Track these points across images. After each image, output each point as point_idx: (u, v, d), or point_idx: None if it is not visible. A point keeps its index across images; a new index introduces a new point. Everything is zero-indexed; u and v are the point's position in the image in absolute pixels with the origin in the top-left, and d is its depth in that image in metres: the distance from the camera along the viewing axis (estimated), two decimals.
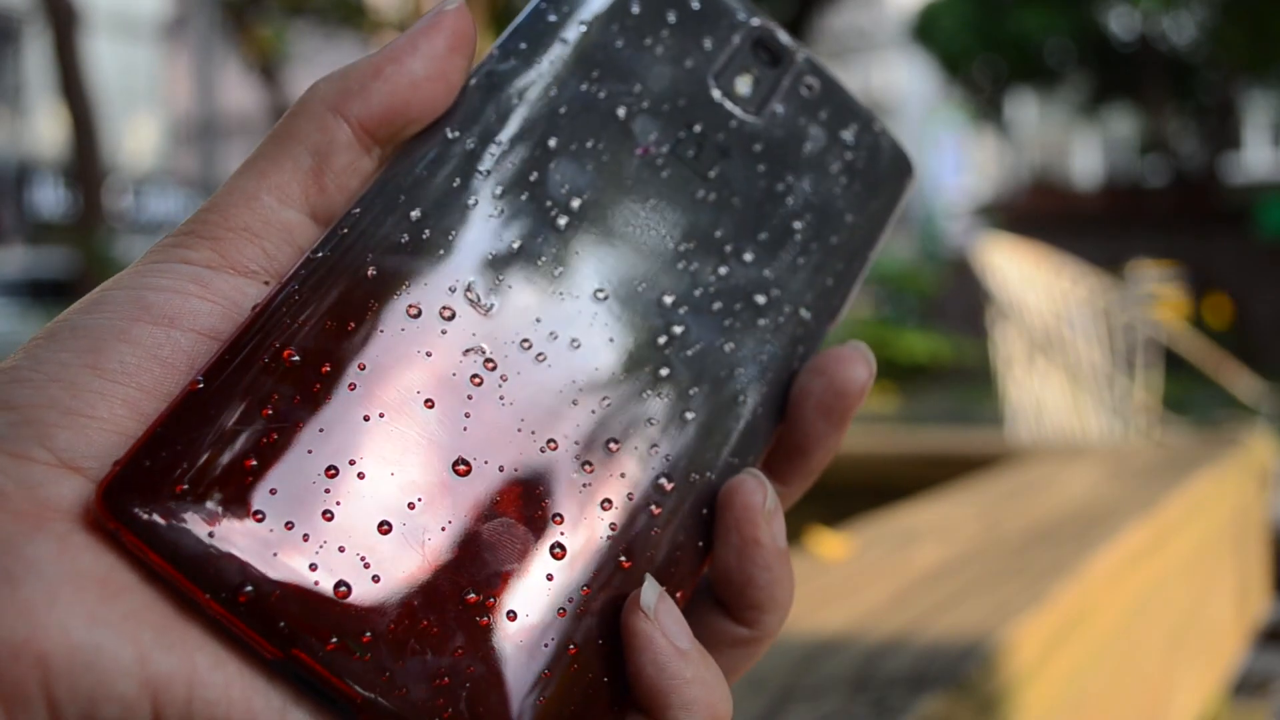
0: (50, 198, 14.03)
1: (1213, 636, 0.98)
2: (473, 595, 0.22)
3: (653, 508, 0.24)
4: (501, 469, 0.23)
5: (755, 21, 0.29)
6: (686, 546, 0.25)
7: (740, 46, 0.29)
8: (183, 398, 0.21)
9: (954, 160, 21.59)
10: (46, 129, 14.08)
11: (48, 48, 7.51)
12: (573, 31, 0.27)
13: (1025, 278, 2.98)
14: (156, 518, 0.20)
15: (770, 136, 0.28)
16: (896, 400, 7.23)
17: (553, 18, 0.27)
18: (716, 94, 0.28)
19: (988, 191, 16.35)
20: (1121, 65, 13.12)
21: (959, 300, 10.30)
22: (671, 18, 0.28)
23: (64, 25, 6.99)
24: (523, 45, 0.26)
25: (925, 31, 13.20)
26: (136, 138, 15.92)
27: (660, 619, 0.23)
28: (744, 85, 0.28)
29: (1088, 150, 17.29)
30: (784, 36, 0.29)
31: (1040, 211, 13.11)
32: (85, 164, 7.05)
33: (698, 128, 0.27)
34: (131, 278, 0.23)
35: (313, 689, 0.20)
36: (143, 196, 15.04)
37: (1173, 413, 3.22)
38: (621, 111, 0.27)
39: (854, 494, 1.13)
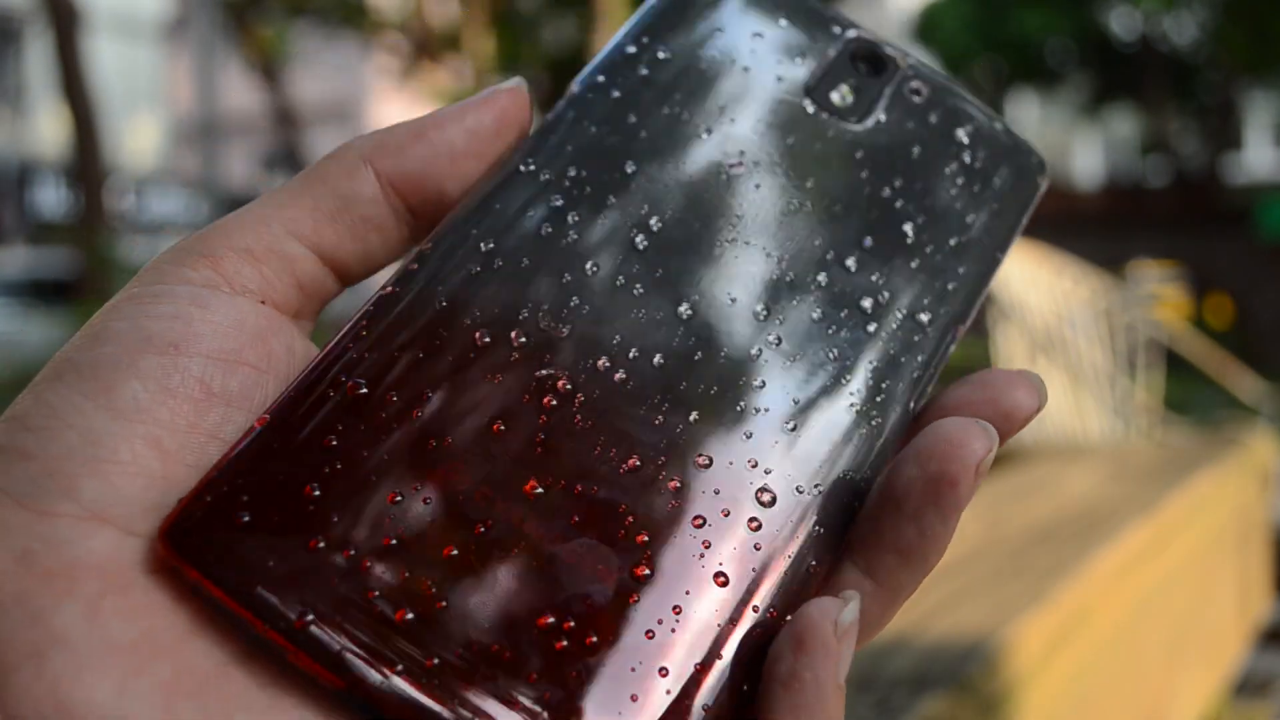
0: (51, 198, 14.03)
1: (1214, 637, 0.98)
2: (548, 619, 0.20)
3: (750, 524, 0.22)
4: (579, 491, 0.21)
5: (852, 33, 0.28)
6: (794, 564, 0.23)
7: (837, 60, 0.28)
8: (247, 435, 0.21)
9: None
10: (48, 129, 14.08)
11: (49, 48, 7.52)
12: (652, 61, 0.27)
13: (1027, 278, 2.98)
14: (215, 551, 0.20)
15: (873, 143, 0.27)
16: None
17: (631, 49, 0.27)
18: (811, 107, 0.27)
19: None
20: (1123, 66, 13.11)
21: None
22: (756, 38, 0.28)
23: (65, 25, 6.99)
24: (600, 79, 0.26)
25: (926, 32, 13.20)
26: (138, 138, 15.92)
27: (842, 643, 0.21)
28: (842, 96, 0.27)
29: (1089, 150, 17.28)
30: (886, 47, 0.28)
31: (1041, 212, 13.07)
32: (86, 164, 7.05)
33: (790, 140, 0.27)
34: (130, 306, 0.23)
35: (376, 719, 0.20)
36: (144, 196, 15.03)
37: (1174, 413, 3.21)
38: (705, 132, 0.26)
39: None
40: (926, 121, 0.28)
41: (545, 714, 0.20)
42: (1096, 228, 12.45)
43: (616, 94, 0.26)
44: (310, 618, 0.19)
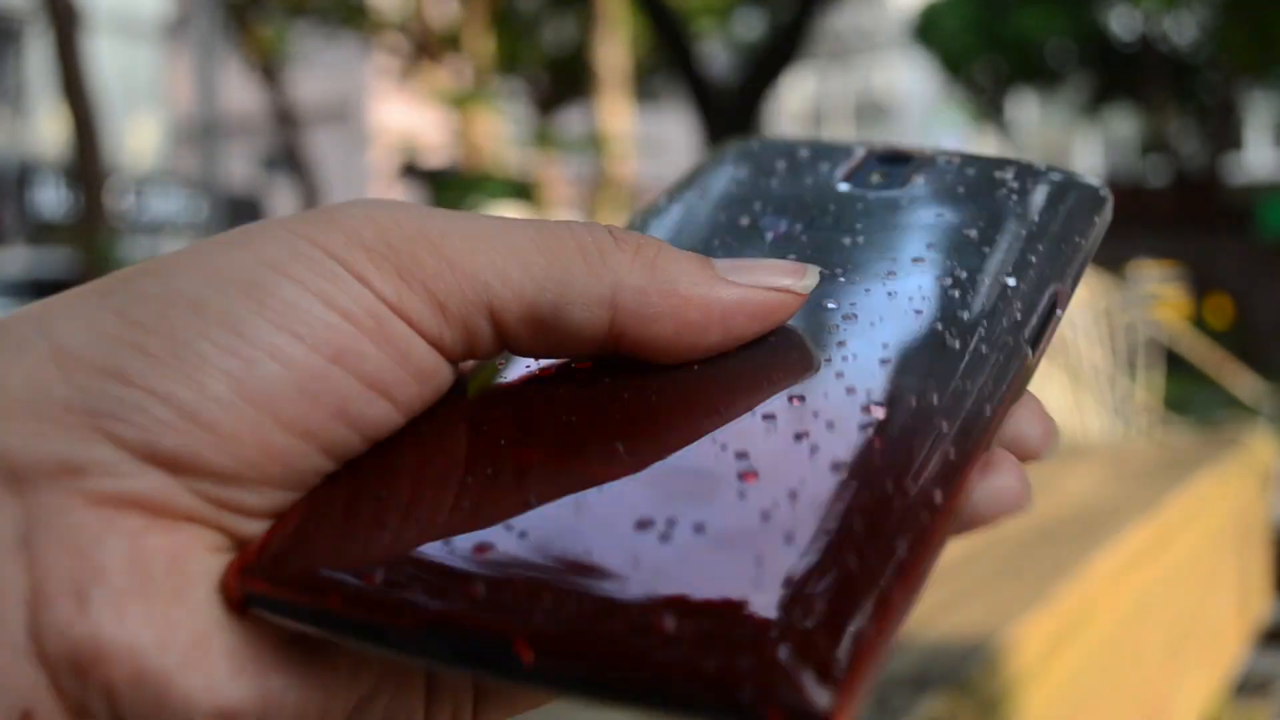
0: (52, 198, 14.03)
1: (1214, 636, 0.98)
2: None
3: (864, 426, 0.22)
4: (669, 439, 0.21)
5: (869, 145, 0.30)
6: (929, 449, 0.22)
7: (863, 159, 0.30)
8: (322, 483, 0.21)
9: None
10: (48, 129, 14.07)
11: (49, 48, 7.52)
12: (702, 194, 0.30)
13: None
14: (294, 571, 0.19)
15: (915, 198, 0.28)
16: None
17: (685, 192, 0.30)
18: (846, 188, 0.29)
19: None
20: (1123, 66, 13.11)
21: None
22: (784, 164, 0.30)
23: (65, 25, 6.99)
24: (664, 201, 0.29)
25: (926, 32, 13.19)
26: (138, 138, 15.91)
27: None
28: (875, 179, 0.29)
29: (1089, 150, 17.28)
30: (906, 146, 0.30)
31: None
32: (87, 164, 7.05)
33: (832, 207, 0.28)
34: (297, 267, 0.20)
35: (467, 655, 0.19)
36: (144, 196, 15.03)
37: (1174, 413, 3.22)
38: (745, 219, 0.28)
39: None
40: (964, 176, 0.29)
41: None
42: None
43: (678, 211, 0.29)
44: (413, 577, 0.19)
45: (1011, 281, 0.26)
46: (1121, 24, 13.08)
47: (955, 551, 0.76)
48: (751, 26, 12.21)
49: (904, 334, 0.24)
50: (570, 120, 12.79)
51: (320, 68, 15.40)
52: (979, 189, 0.28)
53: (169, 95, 16.63)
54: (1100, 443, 2.34)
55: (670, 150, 15.71)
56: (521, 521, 0.20)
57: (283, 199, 16.83)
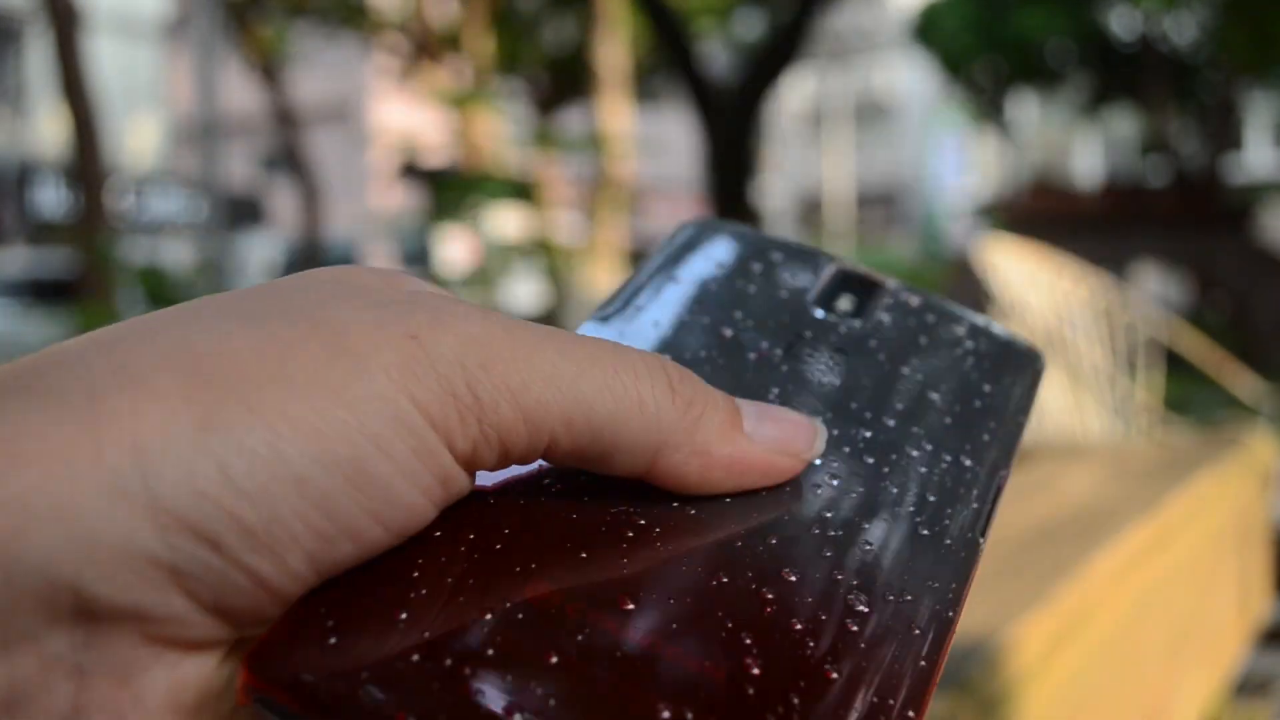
0: (52, 198, 14.03)
1: (1214, 636, 0.98)
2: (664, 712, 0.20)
3: (849, 624, 0.22)
4: (672, 602, 0.21)
5: (839, 261, 0.31)
6: (899, 658, 0.22)
7: (831, 280, 0.31)
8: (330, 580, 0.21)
9: (955, 160, 21.58)
10: (48, 129, 14.08)
11: (49, 48, 7.52)
12: (664, 284, 0.30)
13: (1027, 278, 2.98)
14: (305, 671, 0.19)
15: (882, 334, 0.29)
16: None
17: (642, 280, 0.30)
18: (819, 313, 0.30)
19: (989, 192, 16.35)
20: (1123, 66, 13.12)
21: (960, 300, 10.27)
22: (757, 266, 0.31)
23: (65, 25, 6.99)
24: (619, 300, 0.29)
25: (926, 31, 13.20)
26: (138, 138, 15.92)
27: None
28: (844, 304, 0.30)
29: (1089, 150, 17.28)
30: (870, 270, 0.31)
31: (1041, 212, 13.11)
32: (86, 164, 7.05)
33: (808, 334, 0.29)
34: (397, 445, 0.21)
35: None
36: (144, 196, 15.03)
37: (1174, 413, 3.22)
38: (729, 331, 0.29)
39: None
40: (924, 320, 0.30)
41: None
42: (1096, 228, 12.45)
43: (639, 306, 0.29)
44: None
45: (970, 464, 0.26)
46: (1121, 24, 13.08)
47: None
48: (751, 26, 12.21)
49: (883, 514, 0.25)
50: (570, 120, 12.79)
51: (320, 68, 15.40)
52: (939, 343, 0.30)
53: (169, 95, 16.63)
54: (1100, 443, 2.34)
55: (670, 150, 15.71)
56: (510, 649, 0.20)
57: (283, 199, 16.82)
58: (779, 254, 0.31)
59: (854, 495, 0.25)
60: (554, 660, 0.20)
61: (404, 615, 0.20)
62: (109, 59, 13.13)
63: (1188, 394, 4.00)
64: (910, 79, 21.41)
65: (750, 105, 7.76)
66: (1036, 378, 0.30)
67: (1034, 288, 2.97)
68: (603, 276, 8.66)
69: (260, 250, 15.36)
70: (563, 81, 12.92)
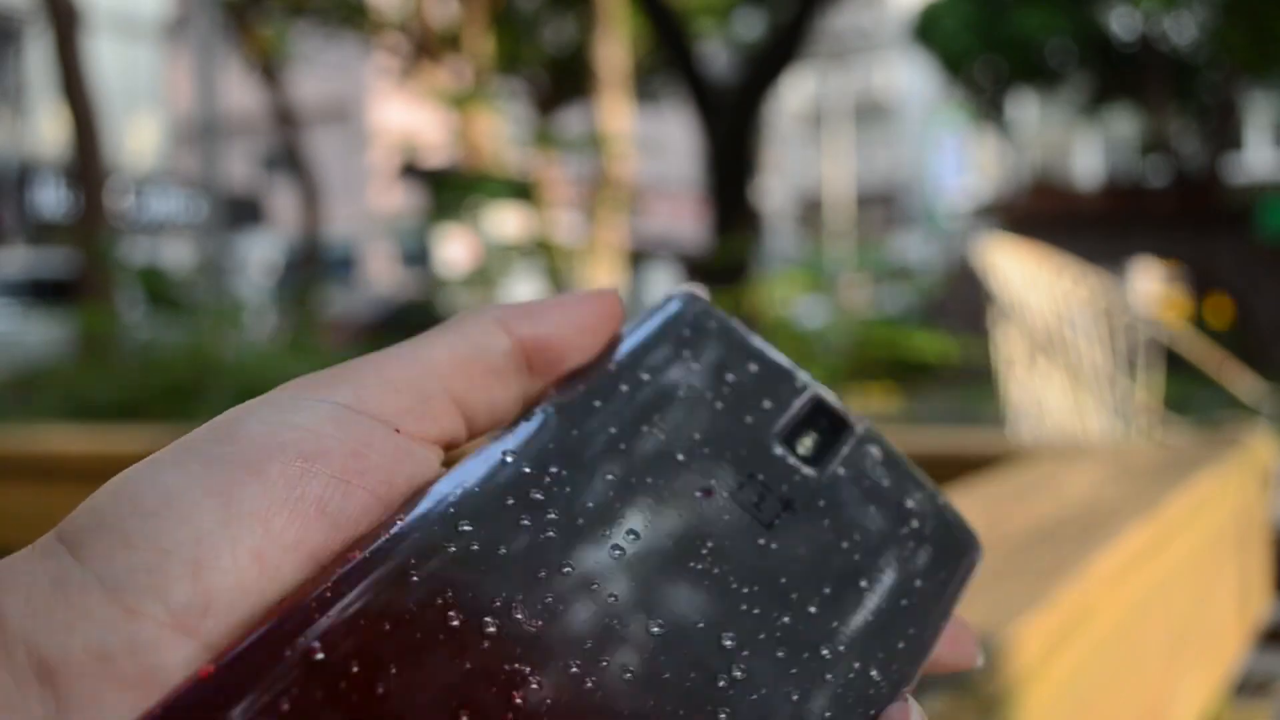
0: (51, 198, 14.03)
1: (1214, 637, 0.98)
2: None
3: None
4: None
5: (814, 389, 0.30)
6: None
7: (800, 410, 0.29)
8: (191, 682, 0.20)
9: (955, 160, 21.58)
10: (48, 129, 14.08)
11: (49, 48, 7.52)
12: (633, 380, 0.28)
13: (1027, 278, 2.98)
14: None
15: (833, 495, 0.28)
16: (898, 400, 7.23)
17: (612, 367, 0.28)
18: (779, 450, 0.28)
19: (989, 192, 16.35)
20: (1123, 65, 13.12)
21: (960, 300, 10.30)
22: (730, 377, 0.29)
23: (65, 25, 6.99)
24: (581, 387, 0.27)
25: (926, 32, 13.20)
26: (138, 138, 15.92)
27: None
28: (806, 445, 0.29)
29: (1089, 150, 17.28)
30: (842, 406, 0.30)
31: (1041, 212, 13.11)
32: (86, 164, 7.05)
33: (761, 477, 0.28)
34: (267, 410, 0.23)
35: None
36: (144, 196, 15.03)
37: (1174, 413, 3.22)
38: (683, 455, 0.27)
39: None
40: (879, 483, 0.29)
41: None
42: (1096, 228, 12.45)
43: (599, 404, 0.27)
44: None
45: (877, 677, 0.26)
46: (1121, 24, 13.08)
47: None
48: (751, 26, 12.22)
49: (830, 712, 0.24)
50: (570, 120, 12.79)
51: (320, 68, 15.40)
52: (886, 516, 0.29)
53: (169, 95, 16.63)
54: (1100, 443, 2.34)
55: (670, 150, 15.71)
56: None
57: (283, 199, 16.82)
58: (756, 367, 0.30)
59: (754, 697, 0.24)
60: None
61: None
62: (109, 59, 13.13)
63: (1188, 394, 4.01)
64: (910, 79, 21.40)
65: (750, 105, 7.76)
66: (969, 570, 0.29)
67: (1034, 288, 2.97)
68: (603, 276, 8.66)
69: (260, 250, 15.37)
70: (563, 81, 12.93)
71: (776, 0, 9.62)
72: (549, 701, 0.22)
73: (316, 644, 0.21)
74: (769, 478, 0.28)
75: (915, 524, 0.29)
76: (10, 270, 10.46)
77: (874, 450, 0.30)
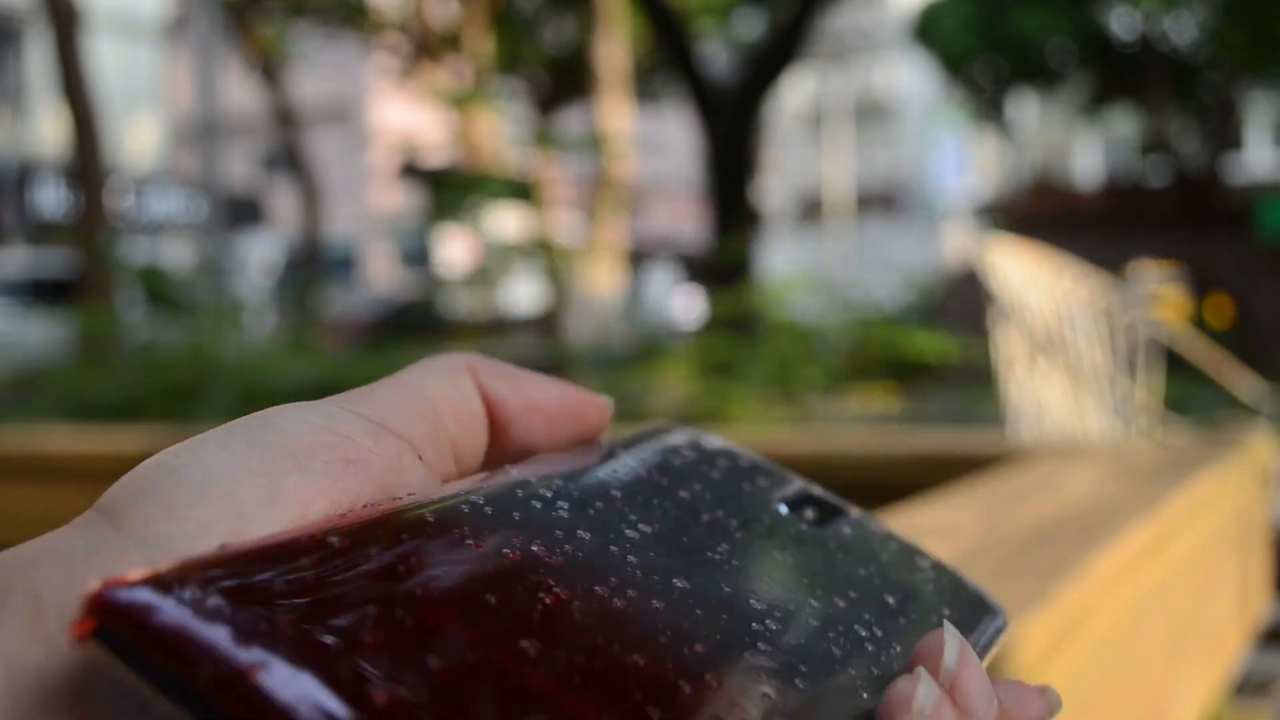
0: (51, 198, 14.03)
1: (1214, 637, 0.98)
2: None
3: None
4: (556, 675, 0.20)
5: (806, 484, 0.31)
6: None
7: (796, 493, 0.31)
8: (219, 550, 0.19)
9: (955, 160, 21.58)
10: (48, 129, 14.07)
11: (49, 48, 7.52)
12: (628, 457, 0.29)
13: (1027, 278, 2.98)
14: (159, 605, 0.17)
15: (844, 542, 0.29)
16: (898, 400, 7.23)
17: (605, 446, 0.29)
18: (784, 509, 0.30)
19: (989, 192, 16.34)
20: (1123, 66, 13.12)
21: (960, 300, 10.30)
22: (724, 464, 0.30)
23: (65, 25, 6.99)
24: (591, 449, 0.29)
25: (926, 32, 13.20)
26: (138, 138, 15.91)
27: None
28: (808, 513, 0.30)
29: (1089, 150, 17.28)
30: (835, 499, 0.31)
31: (1041, 212, 13.11)
32: (86, 164, 7.05)
33: (766, 519, 0.29)
34: (307, 412, 0.23)
35: None
36: (144, 196, 15.03)
37: (1174, 413, 3.22)
38: (685, 494, 0.28)
39: (856, 494, 1.13)
40: (886, 546, 0.30)
41: None
42: (1096, 228, 12.45)
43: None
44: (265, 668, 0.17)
45: (867, 699, 0.25)
46: (1121, 24, 13.08)
47: (955, 551, 0.77)
48: (751, 26, 12.21)
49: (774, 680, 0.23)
50: (570, 120, 12.79)
51: (320, 68, 15.40)
52: (902, 567, 0.29)
53: (169, 95, 16.62)
54: (1100, 443, 2.34)
55: (670, 150, 15.71)
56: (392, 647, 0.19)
57: (283, 199, 16.82)
58: (747, 461, 0.31)
59: (791, 641, 0.24)
60: (432, 664, 0.18)
61: (292, 586, 0.19)
62: (109, 59, 13.13)
63: (1188, 394, 4.00)
64: (910, 79, 21.40)
65: (750, 105, 7.76)
66: (996, 635, 0.29)
67: (1034, 288, 2.97)
68: (603, 276, 8.66)
69: (260, 250, 15.36)
70: (563, 81, 12.93)
71: (776, 0, 9.62)
72: (575, 604, 0.22)
73: (340, 537, 0.20)
74: (775, 523, 0.29)
75: (931, 575, 0.30)
76: (10, 270, 10.46)
77: (875, 527, 0.31)
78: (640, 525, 0.26)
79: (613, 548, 0.24)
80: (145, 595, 0.17)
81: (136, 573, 0.18)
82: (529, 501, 0.25)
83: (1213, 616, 0.96)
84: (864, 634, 0.26)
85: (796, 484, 0.31)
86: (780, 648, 0.24)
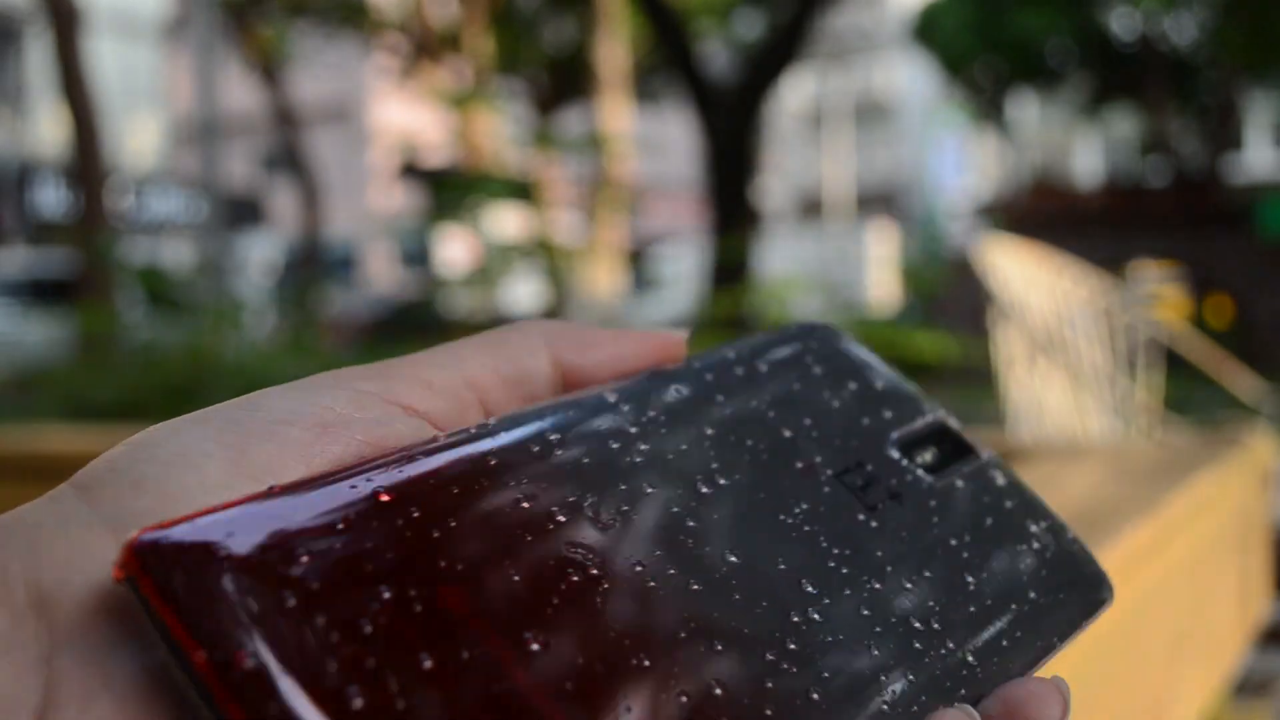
0: (51, 198, 14.03)
1: (1214, 637, 0.98)
2: None
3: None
4: (578, 665, 0.20)
5: (940, 414, 0.30)
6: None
7: (923, 428, 0.29)
8: (256, 495, 0.20)
9: (955, 160, 21.58)
10: (48, 129, 14.07)
11: (49, 48, 7.52)
12: (746, 364, 0.28)
13: (1027, 278, 2.98)
14: (181, 572, 0.18)
15: (948, 499, 0.28)
16: None
17: (729, 353, 0.28)
18: (894, 453, 0.28)
19: (989, 192, 16.34)
20: (1123, 65, 13.11)
21: (960, 300, 10.30)
22: (853, 385, 0.29)
23: (65, 25, 6.99)
24: (697, 364, 0.28)
25: (926, 32, 13.20)
26: (138, 138, 15.91)
27: None
28: (924, 457, 0.29)
29: (1089, 150, 17.27)
30: (968, 436, 0.30)
31: (1041, 211, 13.10)
32: (86, 164, 7.05)
33: (870, 468, 0.27)
34: (292, 390, 0.23)
35: None
36: (144, 196, 15.03)
37: (1174, 413, 3.22)
38: (789, 432, 0.27)
39: None
40: (1001, 503, 0.28)
41: None
42: (1096, 228, 12.44)
43: (709, 376, 0.27)
44: (253, 660, 0.18)
45: (973, 661, 0.25)
46: (1121, 24, 13.08)
47: None
48: (751, 26, 12.21)
49: (854, 662, 0.23)
50: (570, 120, 12.79)
51: (320, 68, 15.38)
52: (1004, 530, 0.28)
53: (169, 95, 16.62)
54: (1100, 443, 2.34)
55: (670, 150, 15.70)
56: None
57: (283, 199, 16.82)
58: (882, 384, 0.29)
59: (828, 639, 0.23)
60: (427, 665, 0.19)
61: (304, 559, 0.19)
62: (109, 59, 13.13)
63: (1188, 394, 4.00)
64: (910, 79, 21.40)
65: (750, 105, 7.76)
66: (1096, 607, 0.28)
67: (1034, 288, 2.97)
68: (603, 276, 8.65)
69: (260, 250, 15.36)
70: (563, 81, 12.92)
71: (776, 0, 9.62)
72: (606, 588, 0.21)
73: (388, 490, 0.21)
74: (878, 470, 0.27)
75: (1036, 545, 0.28)
76: (10, 270, 10.46)
77: (999, 477, 0.29)
78: (717, 477, 0.25)
79: (674, 507, 0.24)
80: (171, 541, 0.19)
81: (157, 527, 0.19)
82: (602, 443, 0.24)
83: (1213, 616, 0.96)
84: (919, 629, 0.24)
85: (928, 416, 0.29)
86: (810, 648, 0.23)
